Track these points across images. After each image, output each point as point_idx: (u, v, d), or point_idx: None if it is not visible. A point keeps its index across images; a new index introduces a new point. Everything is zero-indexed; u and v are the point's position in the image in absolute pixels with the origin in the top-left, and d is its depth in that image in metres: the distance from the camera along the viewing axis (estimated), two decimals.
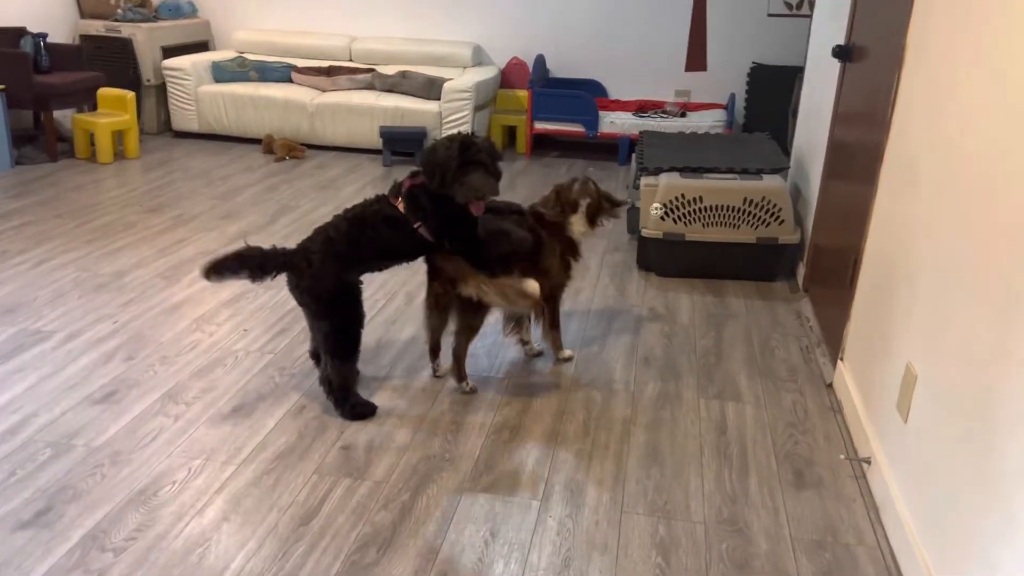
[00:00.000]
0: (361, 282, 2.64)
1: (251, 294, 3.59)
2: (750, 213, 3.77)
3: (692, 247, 3.84)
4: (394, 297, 3.62)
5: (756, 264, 3.86)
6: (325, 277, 2.53)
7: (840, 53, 3.32)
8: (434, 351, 2.90)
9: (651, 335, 3.30)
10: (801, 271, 3.84)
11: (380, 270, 2.69)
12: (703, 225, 3.81)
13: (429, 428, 2.62)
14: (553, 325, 3.02)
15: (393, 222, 2.59)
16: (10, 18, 5.64)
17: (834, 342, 3.00)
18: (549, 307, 2.96)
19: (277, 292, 3.61)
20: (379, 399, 2.78)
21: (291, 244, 3.70)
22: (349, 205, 2.70)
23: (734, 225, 3.79)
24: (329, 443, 2.53)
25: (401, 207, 2.60)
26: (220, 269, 2.47)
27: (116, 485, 2.30)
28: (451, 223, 2.59)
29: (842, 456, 2.50)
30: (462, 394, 2.82)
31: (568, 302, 3.61)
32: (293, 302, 3.39)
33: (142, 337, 3.17)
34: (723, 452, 2.52)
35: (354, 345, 2.60)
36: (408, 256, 2.67)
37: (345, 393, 2.64)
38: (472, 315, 2.70)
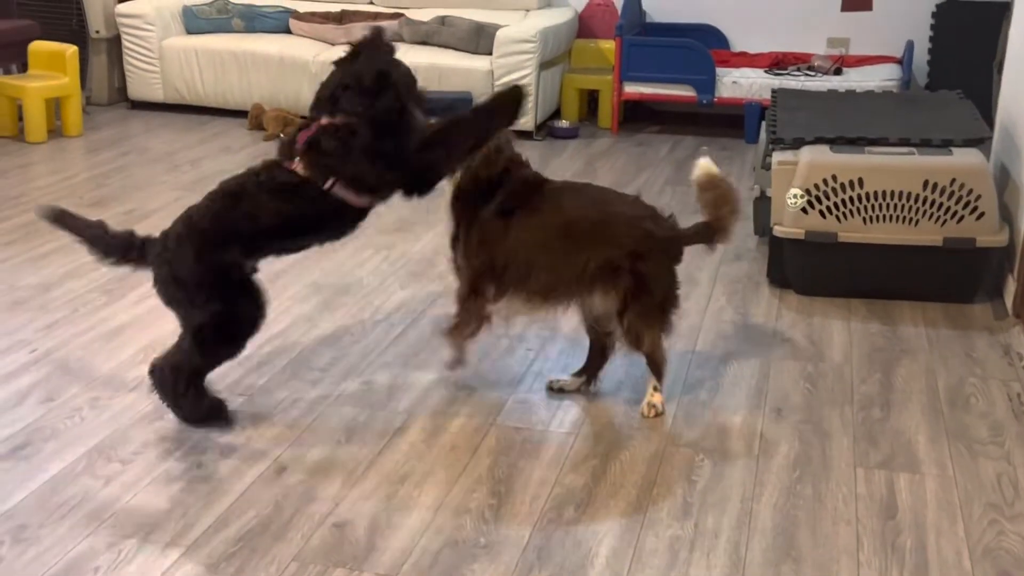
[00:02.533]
0: (255, 268, 2.92)
1: None
2: (934, 203, 3.72)
3: (848, 252, 3.79)
4: (416, 320, 3.60)
5: (943, 277, 3.79)
6: (183, 261, 2.77)
7: None
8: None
9: (787, 377, 3.26)
10: (1011, 288, 3.76)
11: (285, 252, 3.02)
12: (864, 220, 3.76)
13: (459, 499, 2.60)
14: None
15: (289, 190, 2.78)
16: None
17: None
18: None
19: None
20: (391, 457, 2.75)
21: None
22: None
23: (911, 220, 3.74)
24: (316, 518, 2.51)
25: (300, 168, 2.79)
26: (64, 220, 2.94)
27: (15, 574, 2.28)
28: (385, 150, 2.77)
29: None
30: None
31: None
32: (274, 328, 3.47)
33: (68, 371, 3.20)
34: (891, 545, 2.47)
35: (232, 343, 2.88)
36: (320, 231, 2.89)
37: (191, 383, 2.84)
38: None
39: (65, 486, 2.61)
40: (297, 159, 2.80)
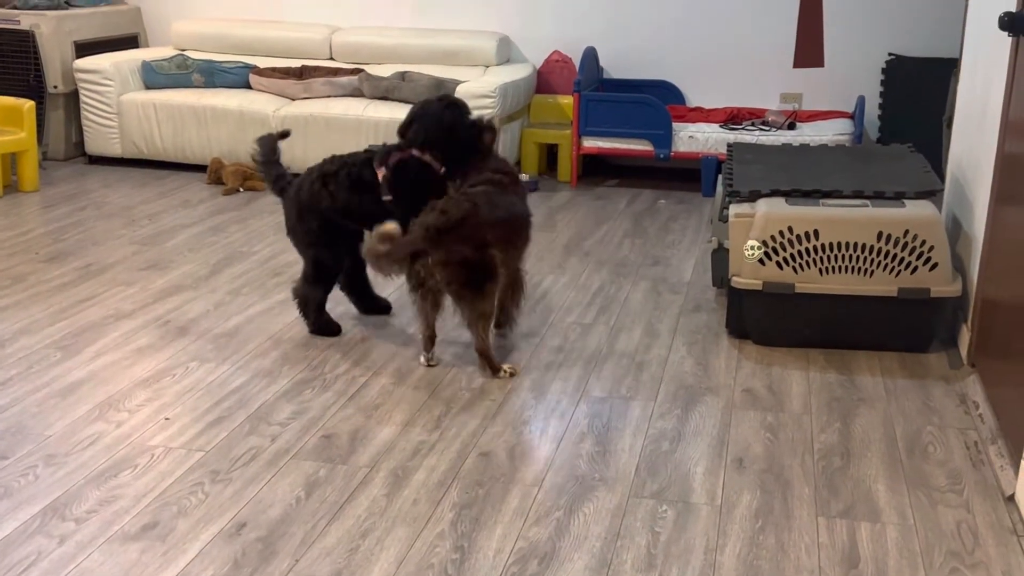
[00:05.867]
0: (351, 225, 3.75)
1: (179, 370, 3.58)
2: (888, 254, 3.75)
3: (805, 303, 3.81)
4: (378, 373, 3.58)
5: (899, 327, 3.82)
6: (295, 217, 3.81)
7: (1012, 23, 3.28)
8: (431, 340, 3.65)
9: (747, 427, 3.26)
10: (965, 337, 3.79)
11: (349, 226, 3.76)
12: (820, 271, 3.78)
13: (422, 554, 2.57)
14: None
15: (363, 187, 3.71)
16: None
17: (1016, 437, 2.94)
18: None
19: (216, 367, 3.60)
20: (352, 512, 2.72)
21: (238, 302, 4.29)
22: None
23: (865, 271, 3.77)
24: None
25: (381, 176, 3.68)
26: (265, 143, 3.93)
27: None
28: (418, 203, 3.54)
29: None
30: (508, 377, 3.56)
31: (627, 378, 3.57)
32: (236, 380, 3.45)
33: (22, 429, 3.16)
34: None
35: (327, 278, 3.87)
36: (367, 221, 3.56)
37: (314, 308, 3.87)
38: (478, 299, 3.44)
39: (18, 546, 2.55)
40: (384, 169, 3.69)
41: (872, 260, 3.76)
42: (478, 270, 3.43)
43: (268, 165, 3.90)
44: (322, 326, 3.89)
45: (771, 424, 3.28)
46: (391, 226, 3.39)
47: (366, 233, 3.49)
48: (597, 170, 6.56)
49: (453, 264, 3.40)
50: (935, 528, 2.71)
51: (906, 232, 3.73)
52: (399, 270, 3.48)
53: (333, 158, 3.84)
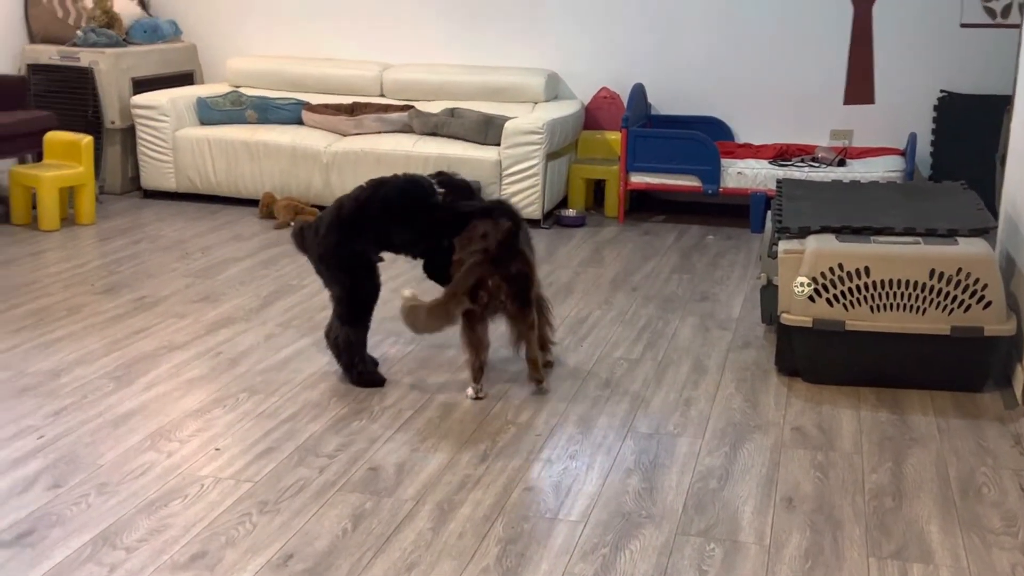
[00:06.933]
0: (381, 259, 3.74)
1: (229, 401, 3.61)
2: (941, 291, 3.71)
3: (856, 340, 3.78)
4: (424, 407, 3.58)
5: (951, 366, 3.77)
6: (332, 245, 3.66)
7: None
8: (482, 369, 3.67)
9: (796, 466, 3.23)
10: (1020, 376, 3.75)
11: (395, 247, 3.77)
12: (871, 308, 3.75)
13: None
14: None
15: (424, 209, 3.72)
16: None
17: None
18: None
19: (265, 398, 3.63)
20: (398, 545, 2.72)
21: (288, 334, 4.28)
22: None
23: (917, 309, 3.73)
24: None
25: (440, 196, 3.73)
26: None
27: None
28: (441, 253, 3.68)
29: None
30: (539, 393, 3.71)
31: (675, 414, 3.55)
32: (286, 411, 3.47)
33: (75, 458, 3.19)
34: None
35: (363, 312, 3.69)
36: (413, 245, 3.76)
37: (352, 357, 3.70)
38: (528, 309, 3.63)
39: (70, 574, 2.58)
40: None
41: (924, 298, 3.71)
42: (528, 280, 3.62)
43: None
44: (368, 374, 3.77)
45: (821, 463, 3.24)
46: (412, 291, 3.58)
47: (403, 296, 3.59)
48: (644, 206, 6.55)
49: (514, 277, 3.55)
50: (989, 571, 2.66)
51: (959, 270, 3.69)
52: (455, 316, 3.53)
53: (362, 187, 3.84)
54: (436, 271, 3.80)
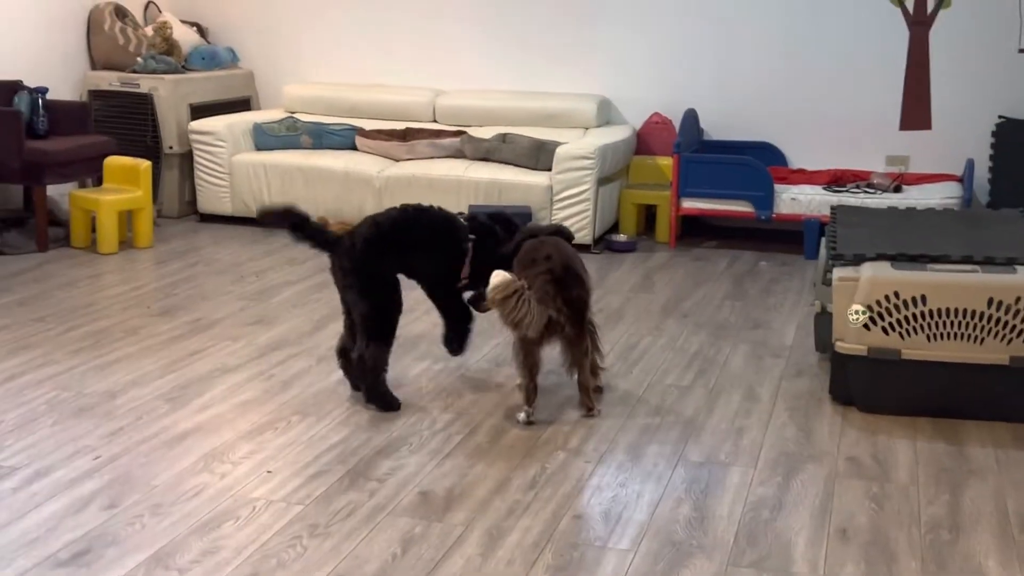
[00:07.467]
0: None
1: (281, 424, 3.63)
2: (1000, 321, 3.65)
3: (912, 370, 3.73)
4: (474, 431, 3.58)
5: (1011, 397, 3.72)
6: (366, 261, 3.71)
7: None
8: (535, 391, 3.67)
9: (851, 497, 3.19)
10: None
11: (416, 273, 3.91)
12: (928, 337, 3.70)
13: None
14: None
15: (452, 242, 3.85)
16: (4, 70, 6.15)
17: None
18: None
19: (317, 421, 3.65)
20: (447, 570, 2.72)
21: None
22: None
23: (976, 338, 3.67)
24: None
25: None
26: (268, 215, 4.04)
27: None
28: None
29: None
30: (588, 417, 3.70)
31: (726, 443, 3.51)
32: (336, 435, 3.48)
33: (130, 478, 3.23)
34: None
35: (390, 330, 3.73)
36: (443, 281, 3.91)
37: (376, 377, 3.72)
38: (585, 334, 3.66)
39: None
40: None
41: (982, 327, 3.65)
42: (585, 305, 3.67)
43: (312, 235, 3.79)
44: (384, 394, 3.78)
45: (876, 494, 3.19)
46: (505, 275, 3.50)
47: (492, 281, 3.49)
48: (696, 231, 6.52)
49: (574, 301, 3.59)
50: None
51: (1018, 299, 3.62)
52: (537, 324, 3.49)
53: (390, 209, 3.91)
54: (447, 307, 3.98)
